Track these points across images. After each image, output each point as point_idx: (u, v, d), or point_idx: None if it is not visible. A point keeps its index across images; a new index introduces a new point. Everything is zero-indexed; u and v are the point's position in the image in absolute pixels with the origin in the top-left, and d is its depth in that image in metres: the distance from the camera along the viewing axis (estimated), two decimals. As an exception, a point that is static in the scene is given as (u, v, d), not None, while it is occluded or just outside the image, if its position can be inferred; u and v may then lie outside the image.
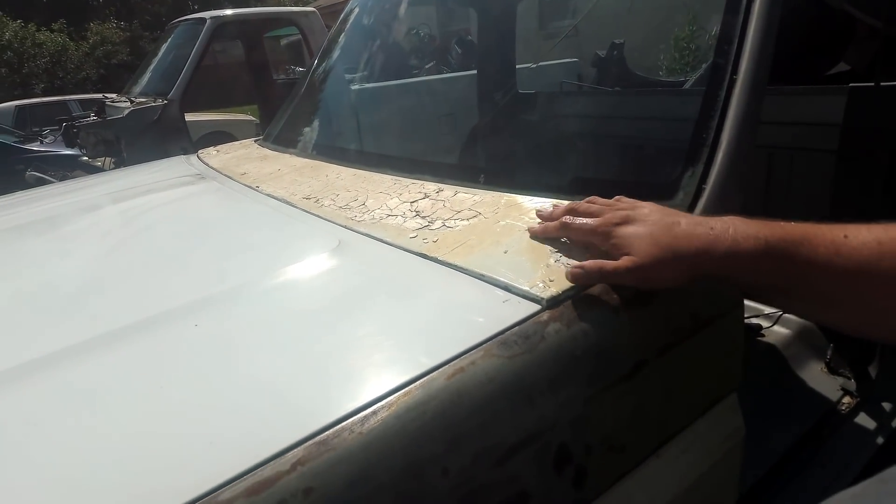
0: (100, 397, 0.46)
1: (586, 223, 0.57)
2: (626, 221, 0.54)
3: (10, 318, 0.64)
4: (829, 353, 1.17)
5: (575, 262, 0.54)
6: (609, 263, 0.52)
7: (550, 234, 0.61)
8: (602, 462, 0.50)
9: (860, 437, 1.00)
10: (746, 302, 1.23)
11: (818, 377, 1.16)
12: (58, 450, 0.41)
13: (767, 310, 1.27)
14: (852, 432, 1.02)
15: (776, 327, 1.26)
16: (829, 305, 0.50)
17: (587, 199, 0.62)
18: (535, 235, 0.62)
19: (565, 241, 0.60)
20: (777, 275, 0.49)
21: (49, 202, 1.23)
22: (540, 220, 0.64)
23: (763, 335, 1.25)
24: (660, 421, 0.55)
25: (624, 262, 0.52)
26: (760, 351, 1.21)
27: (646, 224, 0.53)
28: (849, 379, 1.12)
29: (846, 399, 1.09)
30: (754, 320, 1.26)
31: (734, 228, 0.50)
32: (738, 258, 0.49)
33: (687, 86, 1.69)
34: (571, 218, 0.59)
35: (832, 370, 1.16)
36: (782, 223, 0.50)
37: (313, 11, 4.64)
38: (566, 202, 0.64)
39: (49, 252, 0.90)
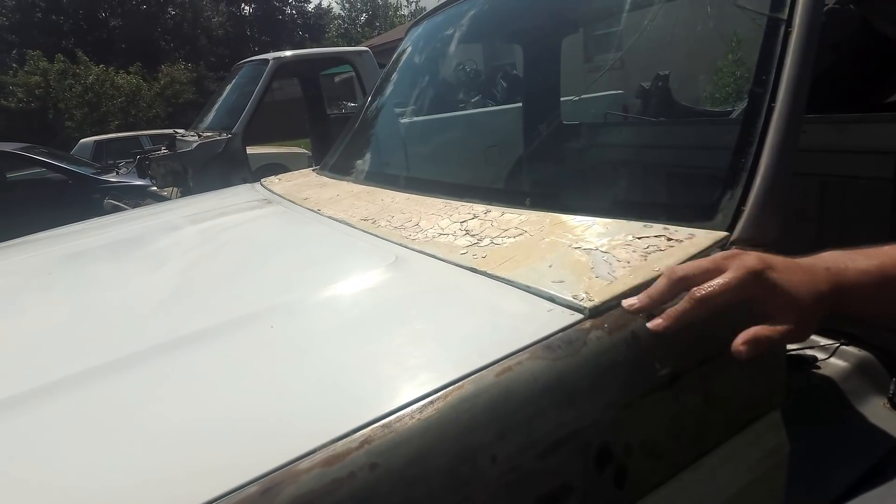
0: (197, 383, 0.53)
1: (715, 291, 0.50)
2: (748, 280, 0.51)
3: (118, 320, 0.73)
4: (893, 387, 1.12)
5: (741, 337, 0.50)
6: (773, 330, 0.50)
7: (687, 320, 0.51)
8: (642, 466, 0.52)
9: None
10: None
11: (880, 412, 1.11)
12: (164, 425, 0.48)
13: (823, 341, 1.23)
14: None
15: (833, 359, 1.21)
16: None
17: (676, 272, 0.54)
18: (659, 328, 0.52)
19: (608, 262, 0.62)
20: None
21: (137, 224, 1.38)
22: (633, 305, 0.54)
23: (819, 367, 1.21)
24: (699, 431, 0.57)
25: (783, 326, 0.50)
26: (815, 383, 1.17)
27: (773, 279, 0.51)
28: None
29: None
30: (809, 351, 1.22)
31: (844, 264, 0.52)
32: (859, 293, 0.51)
33: (731, 115, 1.70)
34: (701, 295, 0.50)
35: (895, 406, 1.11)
36: (877, 250, 0.52)
37: (366, 51, 4.92)
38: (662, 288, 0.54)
39: (145, 265, 1.01)
